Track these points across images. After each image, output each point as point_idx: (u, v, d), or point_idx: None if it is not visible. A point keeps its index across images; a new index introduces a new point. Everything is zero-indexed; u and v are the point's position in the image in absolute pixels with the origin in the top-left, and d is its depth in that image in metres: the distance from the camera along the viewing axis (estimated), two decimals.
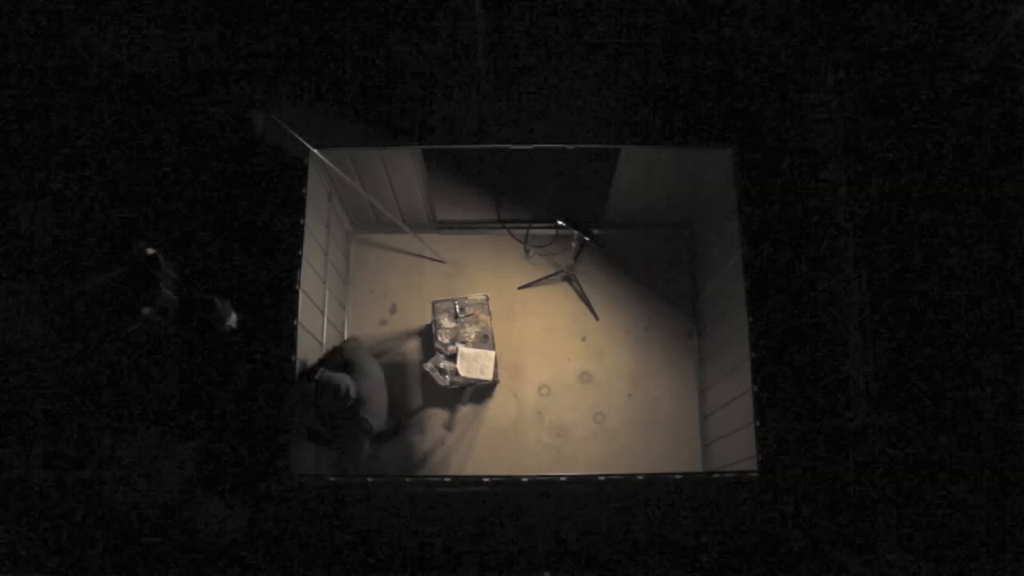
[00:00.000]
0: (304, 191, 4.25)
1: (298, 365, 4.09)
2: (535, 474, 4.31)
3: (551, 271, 5.28)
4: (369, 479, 4.17)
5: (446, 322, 4.83)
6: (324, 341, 4.63)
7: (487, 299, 4.90)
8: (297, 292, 4.12)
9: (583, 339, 5.20)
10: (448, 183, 5.29)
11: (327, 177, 4.66)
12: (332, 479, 4.30)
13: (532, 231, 5.35)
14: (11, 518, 4.04)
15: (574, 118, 5.33)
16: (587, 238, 4.78)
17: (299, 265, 4.15)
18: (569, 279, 5.23)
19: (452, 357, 4.72)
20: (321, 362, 4.12)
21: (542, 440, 4.98)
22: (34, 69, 4.70)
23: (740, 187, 4.27)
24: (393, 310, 5.23)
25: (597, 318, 5.20)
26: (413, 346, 5.18)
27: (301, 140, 4.30)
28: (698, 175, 4.74)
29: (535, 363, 5.13)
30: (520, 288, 5.25)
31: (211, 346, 4.30)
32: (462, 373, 4.63)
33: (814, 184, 4.36)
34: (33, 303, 4.35)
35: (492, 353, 4.69)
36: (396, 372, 5.09)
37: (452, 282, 5.28)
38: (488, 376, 4.65)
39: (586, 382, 5.08)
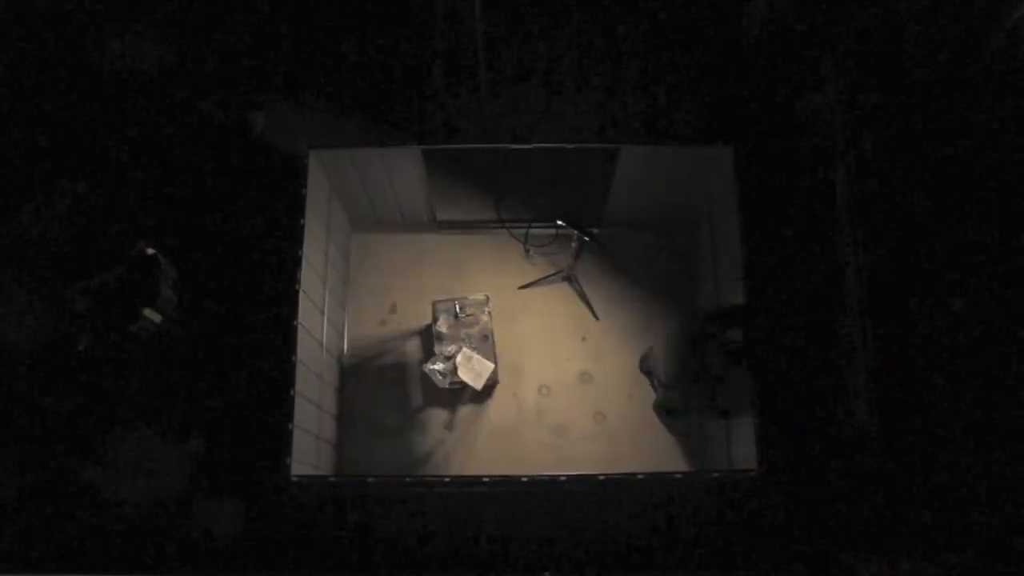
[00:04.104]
0: (304, 191, 4.25)
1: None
2: (535, 474, 4.31)
3: (551, 271, 5.28)
4: (369, 479, 4.18)
5: (446, 322, 4.83)
6: (324, 341, 4.64)
7: (487, 299, 4.90)
8: (297, 292, 4.12)
9: (583, 339, 5.19)
10: (448, 183, 5.29)
11: (327, 177, 4.66)
12: (332, 479, 4.30)
13: (532, 231, 5.35)
14: (10, 518, 4.04)
15: (574, 118, 5.33)
16: (587, 238, 4.78)
17: (299, 265, 4.15)
18: (569, 279, 5.22)
19: (451, 358, 4.72)
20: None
21: (542, 440, 4.97)
22: (35, 70, 4.70)
23: (740, 187, 4.27)
24: (393, 310, 5.23)
25: (597, 318, 5.20)
26: (413, 346, 5.18)
27: (301, 140, 4.31)
28: (698, 175, 4.74)
29: (535, 363, 5.13)
30: (520, 288, 5.25)
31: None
32: (460, 373, 4.63)
33: (814, 183, 4.36)
34: (34, 302, 4.35)
35: (491, 365, 4.68)
36: (396, 372, 5.09)
37: (452, 282, 5.28)
38: (478, 385, 4.64)
39: (586, 382, 5.08)
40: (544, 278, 5.23)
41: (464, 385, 4.77)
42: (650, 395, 5.06)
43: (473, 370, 4.64)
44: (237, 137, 4.88)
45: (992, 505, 3.81)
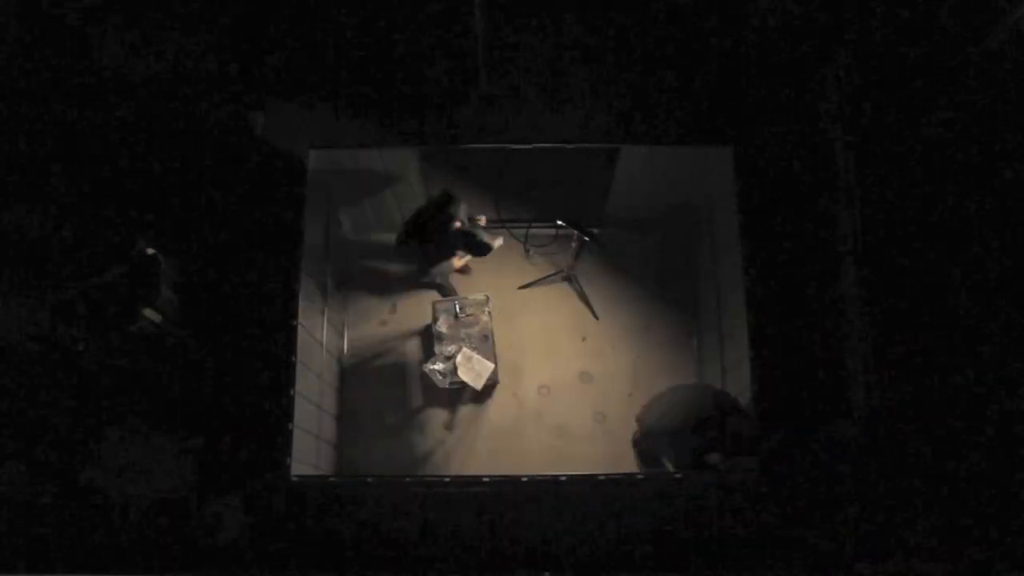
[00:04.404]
0: (304, 191, 4.25)
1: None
2: (535, 474, 4.30)
3: (551, 271, 5.28)
4: (369, 479, 4.18)
5: (446, 322, 4.83)
6: (324, 341, 4.64)
7: (487, 299, 4.90)
8: (297, 292, 4.12)
9: (583, 339, 5.19)
10: (448, 183, 5.28)
11: (327, 177, 4.66)
12: (332, 479, 4.31)
13: (532, 231, 5.35)
14: (11, 518, 4.04)
15: (574, 118, 5.32)
16: (587, 238, 4.78)
17: (299, 265, 4.15)
18: (569, 279, 5.22)
19: (451, 358, 4.72)
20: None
21: (542, 440, 4.97)
22: (34, 69, 4.70)
23: (740, 187, 4.27)
24: (393, 310, 5.23)
25: (597, 318, 5.20)
26: (413, 346, 5.18)
27: (299, 139, 4.31)
28: (698, 175, 4.74)
29: (535, 363, 5.13)
30: (520, 288, 5.25)
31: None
32: (460, 373, 4.64)
33: (815, 183, 4.36)
34: (34, 303, 4.35)
35: (491, 365, 4.68)
36: (396, 372, 5.09)
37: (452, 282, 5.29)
38: (478, 385, 4.64)
39: (586, 382, 5.08)
40: (544, 278, 5.23)
41: (464, 385, 4.77)
42: (650, 395, 5.06)
43: (473, 370, 4.64)
44: (237, 137, 4.88)
45: (994, 505, 3.82)
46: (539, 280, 5.24)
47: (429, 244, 4.63)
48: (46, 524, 4.03)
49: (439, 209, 4.53)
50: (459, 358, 4.65)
